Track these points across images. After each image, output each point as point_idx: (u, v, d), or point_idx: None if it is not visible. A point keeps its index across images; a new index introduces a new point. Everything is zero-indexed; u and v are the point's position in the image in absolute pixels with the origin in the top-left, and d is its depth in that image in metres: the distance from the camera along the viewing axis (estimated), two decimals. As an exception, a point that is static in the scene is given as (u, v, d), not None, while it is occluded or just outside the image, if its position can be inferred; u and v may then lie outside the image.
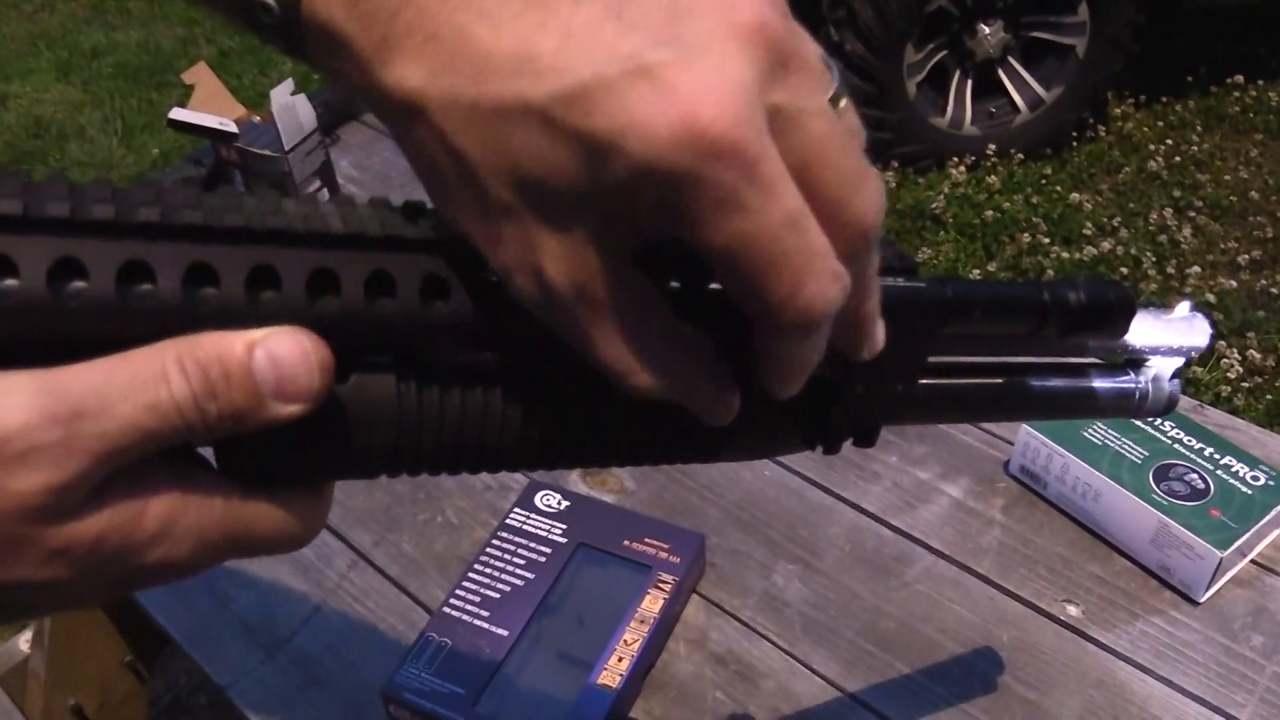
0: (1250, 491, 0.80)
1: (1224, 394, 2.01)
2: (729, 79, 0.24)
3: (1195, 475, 0.81)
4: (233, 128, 1.19)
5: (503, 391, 0.31)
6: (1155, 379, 0.45)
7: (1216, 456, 0.83)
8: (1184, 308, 0.46)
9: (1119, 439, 0.84)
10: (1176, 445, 0.84)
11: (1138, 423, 0.85)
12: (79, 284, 0.24)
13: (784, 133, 0.25)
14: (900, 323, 0.33)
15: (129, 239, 0.25)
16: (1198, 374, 2.06)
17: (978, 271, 2.36)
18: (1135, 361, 0.45)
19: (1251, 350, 2.10)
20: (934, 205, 2.57)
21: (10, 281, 0.24)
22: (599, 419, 0.32)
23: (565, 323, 0.28)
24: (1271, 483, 0.81)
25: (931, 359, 0.37)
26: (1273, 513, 0.79)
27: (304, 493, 0.30)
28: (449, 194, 0.27)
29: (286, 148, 1.18)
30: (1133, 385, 0.45)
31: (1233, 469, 0.82)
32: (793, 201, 0.25)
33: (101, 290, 0.25)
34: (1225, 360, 2.07)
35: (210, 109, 1.23)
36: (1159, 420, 0.86)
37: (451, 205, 0.28)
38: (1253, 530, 0.78)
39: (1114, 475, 0.81)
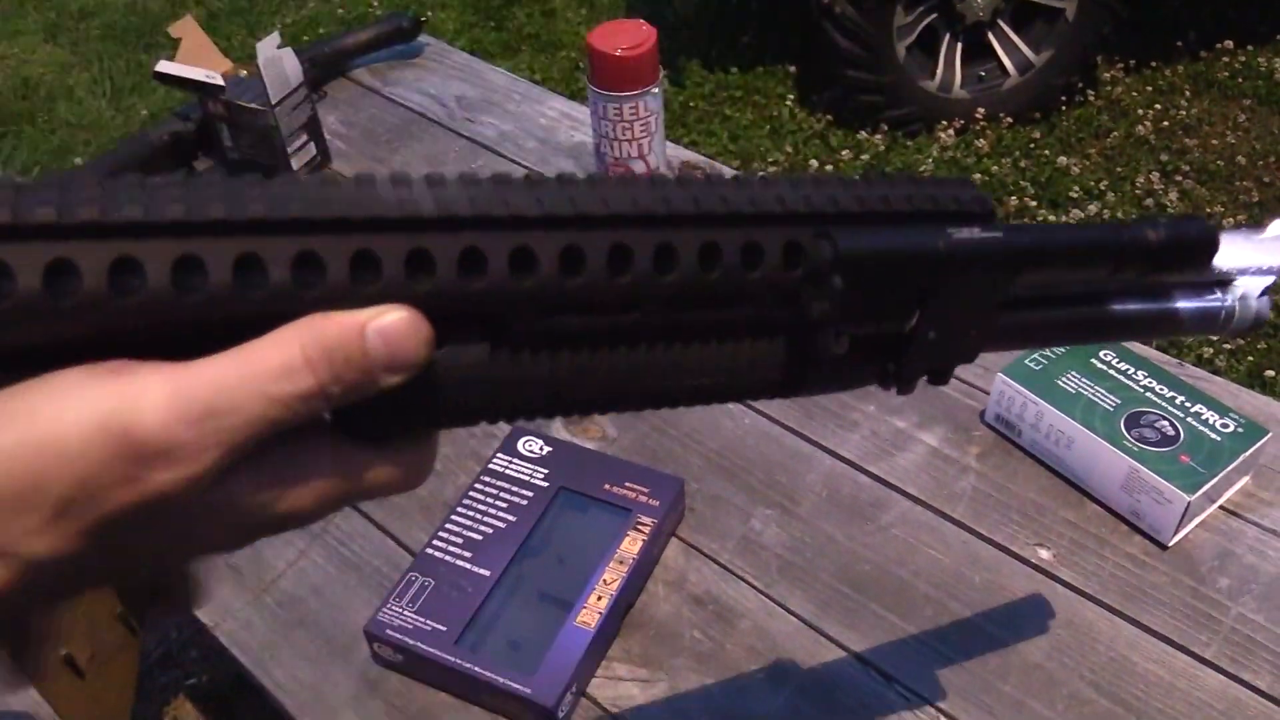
0: (1219, 438, 0.82)
1: (1206, 355, 2.03)
2: None
3: (1166, 422, 0.83)
4: (219, 81, 1.20)
5: (586, 350, 0.34)
6: (1243, 297, 0.44)
7: (1188, 404, 0.84)
8: (1276, 226, 0.46)
9: (1092, 387, 0.85)
10: (1148, 393, 0.85)
11: (1111, 371, 0.87)
12: (213, 279, 0.28)
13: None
14: (974, 274, 0.35)
15: (241, 235, 0.28)
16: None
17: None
18: (1222, 280, 0.45)
19: (1234, 312, 2.12)
20: (923, 168, 2.58)
21: (198, 278, 0.28)
22: (678, 365, 0.35)
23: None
24: (1240, 429, 0.83)
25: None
26: (1240, 458, 0.81)
27: (411, 444, 0.33)
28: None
29: (273, 101, 1.19)
30: (1218, 305, 0.44)
31: (1203, 416, 0.84)
32: None
33: (221, 280, 0.28)
34: (1208, 322, 2.09)
35: (196, 62, 1.23)
36: (1133, 369, 0.87)
37: None
38: (1220, 475, 0.80)
39: (1086, 423, 0.83)
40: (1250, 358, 2.05)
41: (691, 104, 2.97)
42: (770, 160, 2.68)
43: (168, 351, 0.28)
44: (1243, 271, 0.44)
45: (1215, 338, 2.10)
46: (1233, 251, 0.43)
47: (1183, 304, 0.44)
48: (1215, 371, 1.96)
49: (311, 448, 0.31)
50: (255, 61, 1.18)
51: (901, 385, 0.38)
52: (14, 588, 0.28)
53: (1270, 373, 2.01)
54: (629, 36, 0.95)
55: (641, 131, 0.98)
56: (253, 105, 1.20)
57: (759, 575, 0.80)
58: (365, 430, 0.31)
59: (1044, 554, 0.81)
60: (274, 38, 1.18)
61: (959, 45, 2.67)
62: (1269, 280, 0.45)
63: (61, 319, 0.27)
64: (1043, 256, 0.37)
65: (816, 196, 0.35)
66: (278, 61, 1.18)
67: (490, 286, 0.30)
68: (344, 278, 0.29)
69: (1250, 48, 2.93)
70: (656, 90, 0.97)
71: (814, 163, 2.63)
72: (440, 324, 0.30)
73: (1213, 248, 0.41)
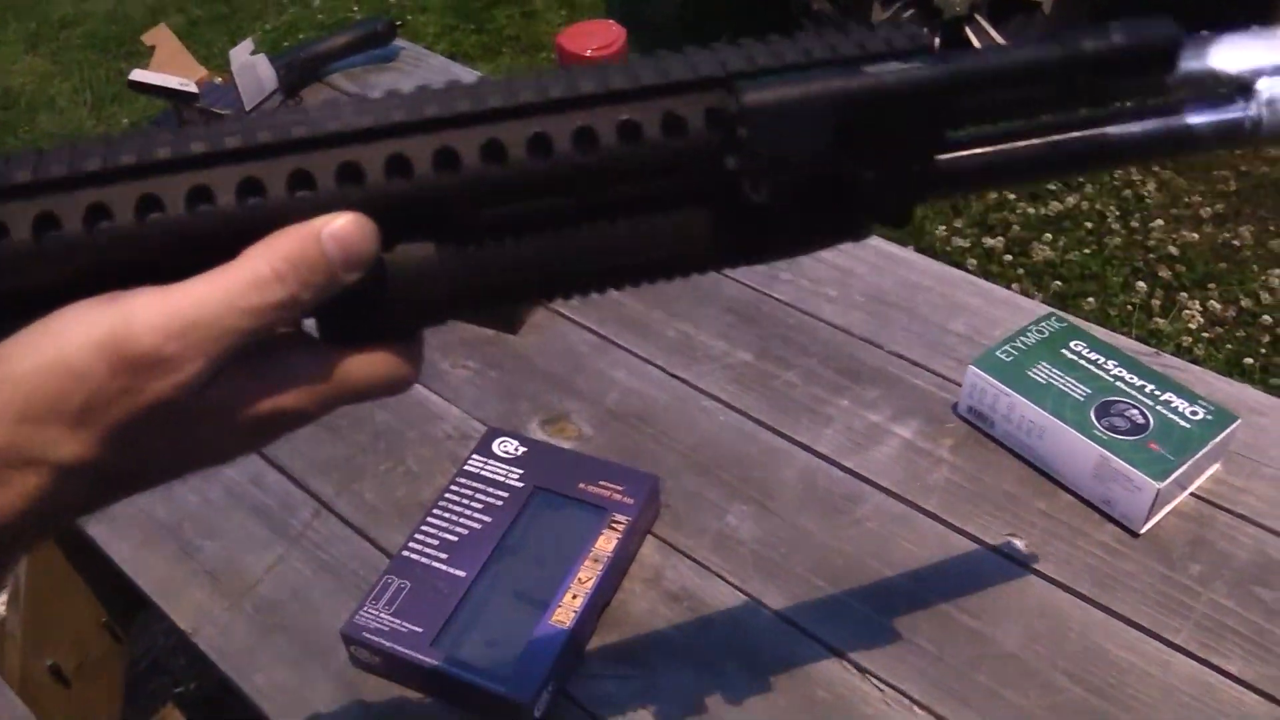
0: (1189, 425, 0.83)
1: (1185, 344, 2.04)
2: None
3: (1136, 411, 0.84)
4: (193, 88, 1.20)
5: (530, 236, 0.36)
6: (1271, 101, 0.41)
7: (1157, 393, 0.85)
8: None
9: (1062, 378, 0.86)
10: (1118, 383, 0.86)
11: (1081, 361, 0.87)
12: (170, 212, 0.33)
13: None
14: (896, 108, 0.35)
15: (189, 170, 0.33)
16: (1159, 324, 2.09)
17: (943, 228, 2.38)
18: (1243, 87, 0.41)
19: (1213, 301, 2.13)
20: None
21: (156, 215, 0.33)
22: (623, 241, 0.37)
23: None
24: (1210, 417, 0.83)
25: (977, 128, 0.38)
26: (1209, 445, 0.82)
27: (394, 344, 0.36)
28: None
29: (247, 108, 1.19)
30: (1240, 114, 0.41)
31: (1173, 404, 0.84)
32: None
33: (177, 212, 0.33)
34: (1187, 311, 2.10)
35: (171, 70, 1.23)
36: (1103, 359, 0.88)
37: None
38: (1190, 463, 0.80)
39: (1057, 413, 0.83)
40: (1229, 345, 2.06)
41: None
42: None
43: (155, 280, 0.33)
44: (1266, 72, 0.40)
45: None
46: (1248, 52, 0.40)
47: (1195, 118, 0.41)
48: (1195, 360, 1.98)
49: (298, 352, 0.35)
50: (228, 67, 1.18)
51: (853, 231, 0.38)
52: (47, 494, 0.33)
53: (1249, 360, 2.02)
54: (599, 37, 0.96)
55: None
56: (227, 112, 1.20)
57: (735, 571, 0.81)
58: (347, 334, 0.35)
59: (1018, 544, 0.82)
60: (247, 44, 1.19)
61: (938, 39, 2.68)
62: None
63: (53, 262, 0.33)
64: (968, 83, 0.36)
65: (733, 59, 0.36)
66: (251, 68, 1.19)
67: (419, 186, 0.34)
68: (283, 195, 0.33)
69: (1227, 38, 2.95)
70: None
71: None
72: (387, 226, 0.34)
73: (1173, 47, 0.39)
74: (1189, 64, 0.40)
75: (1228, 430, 0.83)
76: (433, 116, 0.34)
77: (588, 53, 0.94)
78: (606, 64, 0.36)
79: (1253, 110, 0.41)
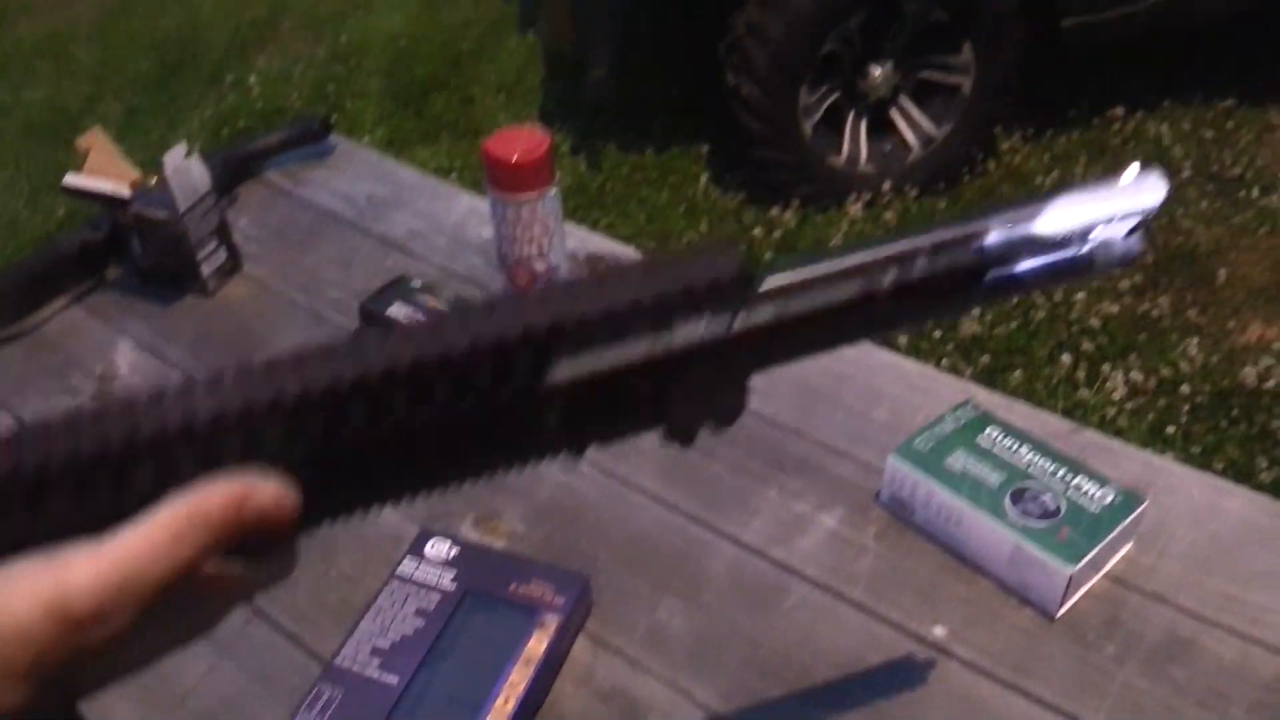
0: (1098, 510, 0.86)
1: (1109, 415, 2.10)
2: None
3: (1048, 497, 0.87)
4: (125, 193, 1.21)
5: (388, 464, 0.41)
6: (1102, 243, 0.43)
7: (1068, 478, 0.88)
8: (1132, 171, 0.45)
9: (977, 465, 0.89)
10: (1031, 469, 0.89)
11: (995, 449, 0.91)
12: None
13: None
14: (701, 366, 0.38)
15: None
16: (1084, 396, 2.15)
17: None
18: (1081, 234, 0.43)
19: (1134, 372, 2.20)
20: (833, 242, 2.65)
21: None
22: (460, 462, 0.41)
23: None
24: (1119, 500, 0.87)
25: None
26: (1119, 528, 0.85)
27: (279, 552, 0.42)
28: None
29: (180, 210, 1.20)
30: (1071, 255, 0.43)
31: (1083, 489, 0.87)
32: None
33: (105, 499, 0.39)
34: (1110, 383, 2.16)
35: (104, 174, 1.25)
36: (1016, 446, 0.91)
37: None
38: (1101, 546, 0.84)
39: (972, 501, 0.86)
40: (1151, 415, 2.12)
41: (609, 186, 3.03)
42: (685, 239, 2.74)
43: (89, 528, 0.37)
44: (1105, 221, 0.43)
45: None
46: (1093, 210, 0.43)
47: (1023, 266, 0.43)
48: (1118, 430, 2.04)
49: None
50: (161, 171, 1.19)
51: (681, 442, 0.41)
52: None
53: (1171, 429, 2.09)
54: (524, 142, 0.99)
55: (540, 232, 1.01)
56: (160, 215, 1.21)
57: (666, 666, 0.82)
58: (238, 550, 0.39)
59: (939, 631, 0.84)
60: (180, 148, 1.20)
61: (863, 122, 2.77)
62: (1133, 221, 0.43)
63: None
64: (776, 335, 0.39)
65: (540, 314, 0.39)
66: (185, 171, 1.20)
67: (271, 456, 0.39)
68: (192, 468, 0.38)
69: (1139, 114, 3.07)
70: (553, 193, 1.00)
71: (729, 240, 2.69)
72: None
73: (979, 273, 0.41)
74: (1017, 234, 0.42)
75: (1136, 513, 0.86)
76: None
77: (513, 159, 0.97)
78: (441, 320, 0.40)
79: (1084, 249, 0.43)
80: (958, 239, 0.42)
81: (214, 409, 0.38)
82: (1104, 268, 0.44)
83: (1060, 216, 0.43)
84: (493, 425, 0.39)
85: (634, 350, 0.38)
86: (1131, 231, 0.44)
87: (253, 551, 0.40)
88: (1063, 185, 0.43)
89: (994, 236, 0.42)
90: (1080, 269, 0.44)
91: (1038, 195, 0.43)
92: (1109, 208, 0.43)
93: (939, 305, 0.44)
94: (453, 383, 0.39)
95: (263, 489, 0.38)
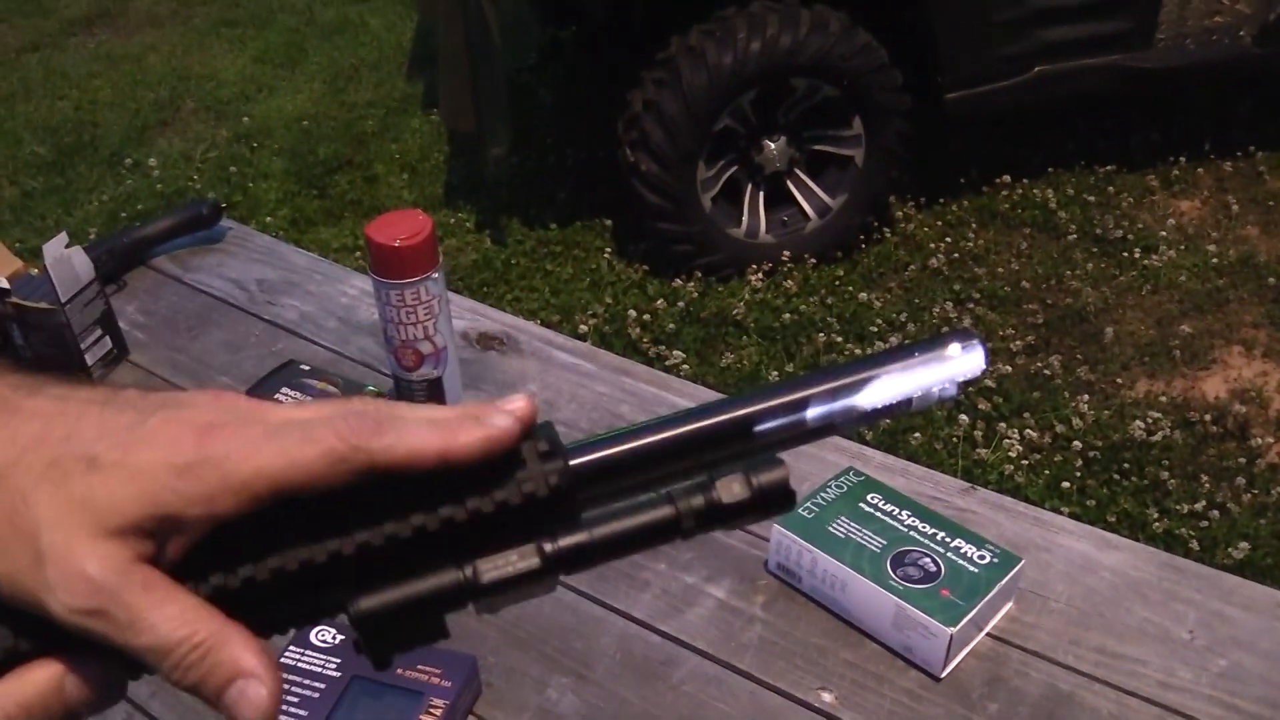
0: (977, 570, 0.88)
1: (1007, 472, 2.15)
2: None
3: (928, 559, 0.89)
4: (4, 283, 1.19)
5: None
6: (921, 396, 0.44)
7: (947, 540, 0.90)
8: (955, 349, 0.45)
9: (860, 531, 0.91)
10: (912, 532, 0.91)
11: (878, 514, 0.93)
12: None
13: None
14: (509, 590, 0.39)
15: None
16: (982, 454, 2.20)
17: (776, 373, 2.47)
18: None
19: (1029, 430, 2.26)
20: (735, 311, 2.69)
21: None
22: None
23: (108, 614, 0.35)
24: (996, 560, 0.89)
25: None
26: (997, 587, 0.87)
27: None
28: (1, 538, 0.35)
29: (62, 300, 1.19)
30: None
31: (962, 550, 0.90)
32: None
33: None
34: (1007, 441, 2.22)
35: (-18, 265, 1.23)
36: (897, 510, 0.93)
37: (1, 546, 0.35)
38: (980, 605, 0.85)
39: (855, 565, 0.88)
40: (1048, 471, 2.18)
41: (513, 260, 3.04)
42: (590, 312, 2.76)
43: None
44: (926, 390, 0.44)
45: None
46: (914, 381, 0.43)
47: (813, 411, 0.43)
48: (1016, 487, 2.09)
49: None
50: (42, 261, 1.18)
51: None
52: None
53: (1066, 483, 2.14)
54: (406, 227, 1.00)
55: (425, 315, 1.02)
56: (42, 305, 1.19)
57: (555, 746, 0.82)
58: None
59: (826, 697, 0.85)
60: (61, 238, 1.19)
61: (761, 194, 2.83)
62: (954, 388, 0.44)
63: None
64: (583, 560, 0.39)
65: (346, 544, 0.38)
66: (66, 260, 1.19)
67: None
68: None
69: (1026, 180, 3.19)
70: (437, 275, 1.01)
71: (632, 312, 2.72)
72: None
73: (787, 500, 0.41)
74: (837, 406, 0.42)
75: (1013, 572, 0.88)
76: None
77: (396, 243, 0.98)
78: None
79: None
80: (783, 407, 0.42)
81: None
82: (919, 409, 0.45)
83: (884, 389, 0.44)
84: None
85: (441, 582, 0.38)
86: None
87: None
88: (887, 355, 0.44)
89: (815, 411, 0.43)
90: (897, 410, 0.45)
91: (862, 362, 0.42)
92: (931, 377, 0.44)
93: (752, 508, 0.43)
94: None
95: (84, 663, 0.36)
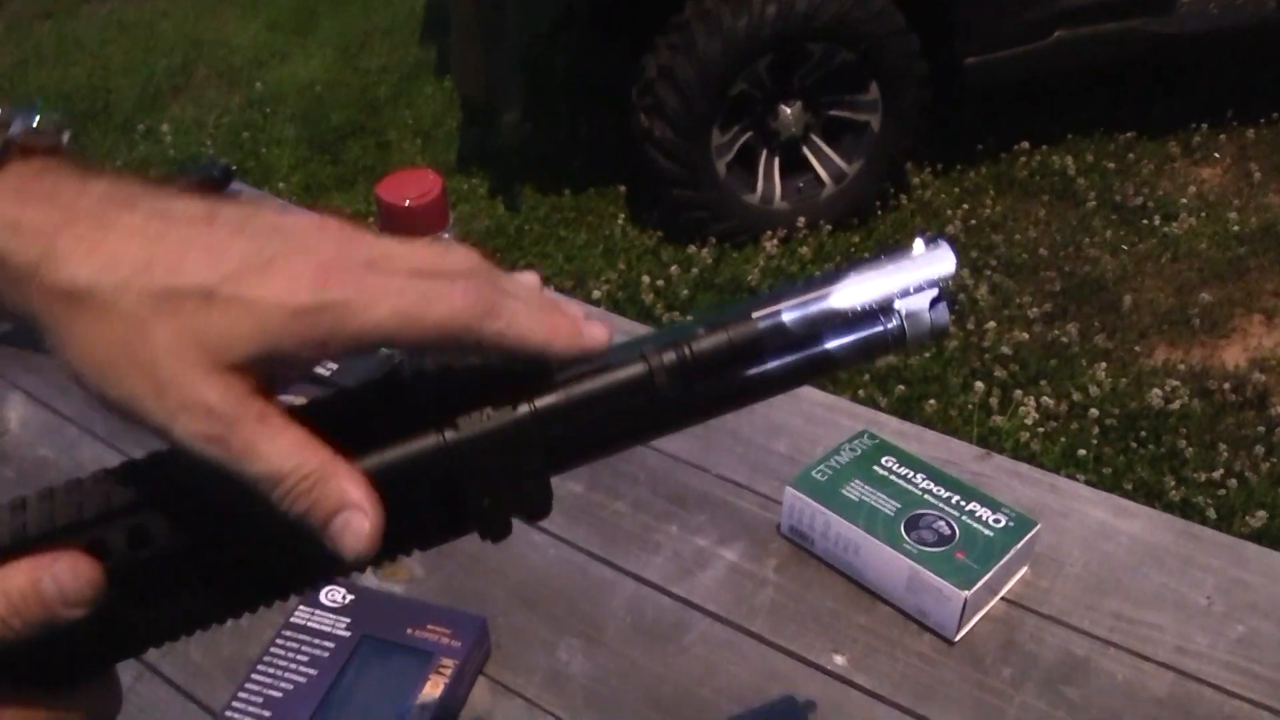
0: (992, 534, 0.87)
1: (1023, 440, 2.14)
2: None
3: (943, 522, 0.88)
4: None
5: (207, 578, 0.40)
6: (909, 315, 0.44)
7: (962, 503, 0.89)
8: (919, 245, 0.46)
9: (874, 494, 0.90)
10: (926, 496, 0.90)
11: (892, 477, 0.92)
12: None
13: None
14: (495, 451, 0.39)
15: None
16: (998, 422, 2.18)
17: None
18: (883, 308, 0.44)
19: (1046, 397, 2.24)
20: (750, 277, 2.68)
21: None
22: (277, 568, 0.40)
23: (227, 442, 0.35)
24: (1012, 524, 0.88)
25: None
26: (1012, 551, 0.86)
27: (95, 685, 0.40)
28: (115, 359, 0.35)
29: None
30: (880, 330, 0.44)
31: (977, 514, 0.89)
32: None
33: None
34: (1022, 408, 2.20)
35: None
36: (912, 473, 0.92)
37: (116, 369, 0.35)
38: (995, 569, 0.85)
39: (869, 529, 0.87)
40: (1063, 439, 2.17)
41: (527, 227, 3.03)
42: (603, 278, 2.75)
43: None
44: (903, 293, 0.44)
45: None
46: (886, 281, 0.44)
47: (834, 343, 0.44)
48: (1031, 455, 2.07)
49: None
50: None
51: (492, 538, 0.41)
52: None
53: (1082, 451, 2.13)
54: (416, 186, 0.98)
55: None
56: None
57: (565, 708, 0.81)
58: (36, 680, 0.38)
59: (839, 660, 0.84)
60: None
61: (776, 160, 2.81)
62: (933, 292, 0.45)
63: None
64: (552, 419, 0.39)
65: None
66: None
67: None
68: None
69: (1045, 147, 3.16)
70: (447, 235, 1.00)
71: (646, 278, 2.71)
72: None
73: (762, 348, 0.41)
74: (814, 309, 0.43)
75: (1028, 535, 0.87)
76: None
77: (405, 203, 0.97)
78: None
79: (893, 324, 0.44)
80: (754, 317, 0.42)
81: (14, 531, 0.37)
82: (916, 340, 0.45)
83: (855, 291, 0.44)
84: (298, 544, 0.38)
85: (421, 444, 0.38)
86: (935, 303, 0.45)
87: (56, 682, 0.38)
88: (854, 261, 0.44)
89: (791, 314, 0.43)
90: (893, 342, 0.45)
91: (831, 272, 0.44)
92: (902, 279, 0.44)
93: (754, 387, 0.44)
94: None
95: (60, 562, 0.36)
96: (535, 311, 0.38)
